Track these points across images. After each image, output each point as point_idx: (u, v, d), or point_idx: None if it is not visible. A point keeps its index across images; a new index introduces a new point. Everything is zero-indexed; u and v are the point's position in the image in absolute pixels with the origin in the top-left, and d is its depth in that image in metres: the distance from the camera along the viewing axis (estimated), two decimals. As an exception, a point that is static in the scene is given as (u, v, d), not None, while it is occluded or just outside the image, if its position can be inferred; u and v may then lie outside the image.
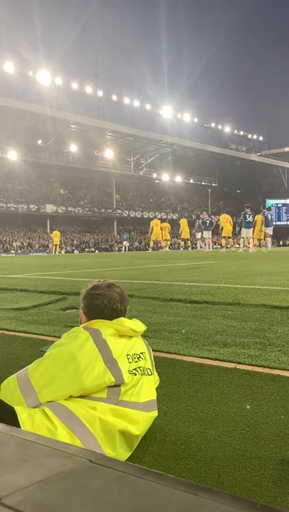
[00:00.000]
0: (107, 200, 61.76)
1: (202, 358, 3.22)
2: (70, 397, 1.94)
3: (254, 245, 25.86)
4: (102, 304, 2.23)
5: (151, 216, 60.17)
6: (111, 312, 2.22)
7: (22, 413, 1.83)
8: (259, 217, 25.73)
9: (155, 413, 2.11)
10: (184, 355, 3.28)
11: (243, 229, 24.91)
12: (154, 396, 2.13)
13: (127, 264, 14.25)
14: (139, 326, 2.20)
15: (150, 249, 32.38)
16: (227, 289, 6.56)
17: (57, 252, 35.16)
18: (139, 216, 62.24)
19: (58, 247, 36.26)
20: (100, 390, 1.95)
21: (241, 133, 75.98)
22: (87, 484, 0.69)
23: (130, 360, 2.06)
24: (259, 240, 26.69)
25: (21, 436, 0.83)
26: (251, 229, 24.78)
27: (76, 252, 42.75)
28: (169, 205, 67.97)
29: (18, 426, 1.79)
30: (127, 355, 2.05)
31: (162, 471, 1.83)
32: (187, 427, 2.23)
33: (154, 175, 68.85)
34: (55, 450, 0.78)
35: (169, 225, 31.92)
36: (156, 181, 69.17)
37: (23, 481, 0.70)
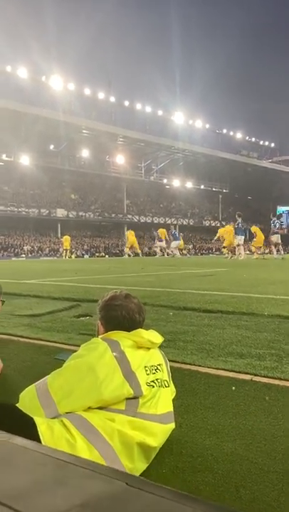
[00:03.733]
0: (118, 205, 61.87)
1: (218, 369, 3.21)
2: (89, 408, 1.95)
3: (256, 253, 26.32)
4: (121, 315, 2.24)
5: (162, 221, 60.17)
6: (129, 323, 2.22)
7: (41, 424, 1.84)
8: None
9: (172, 425, 2.12)
10: (200, 365, 3.28)
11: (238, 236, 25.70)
12: (171, 408, 2.14)
13: (138, 271, 14.26)
14: (156, 337, 2.20)
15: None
16: (240, 298, 6.54)
17: (67, 257, 35.28)
18: (149, 221, 62.26)
19: (68, 251, 36.37)
20: (119, 401, 1.96)
21: (253, 139, 75.87)
22: (124, 509, 0.70)
23: (148, 372, 2.06)
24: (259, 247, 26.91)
25: (59, 457, 0.84)
26: (242, 236, 25.84)
27: (86, 256, 42.84)
28: (179, 211, 67.94)
29: (37, 437, 1.80)
30: (145, 367, 2.06)
31: (179, 484, 1.85)
32: (204, 440, 2.23)
33: (165, 180, 68.90)
34: (93, 472, 0.79)
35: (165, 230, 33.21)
36: (167, 187, 69.20)
37: (62, 505, 0.71)
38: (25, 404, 1.99)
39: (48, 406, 1.95)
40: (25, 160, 52.50)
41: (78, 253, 47.59)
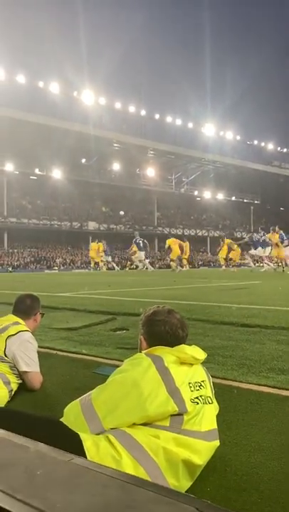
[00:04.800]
0: (149, 217, 62.04)
1: (260, 385, 3.16)
2: (133, 424, 1.94)
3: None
4: (164, 331, 2.23)
5: (192, 233, 60.04)
6: (172, 339, 2.21)
7: (87, 440, 1.84)
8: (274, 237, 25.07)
9: (217, 443, 2.09)
10: (241, 381, 3.23)
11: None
12: (215, 425, 2.11)
13: (171, 283, 14.23)
14: (200, 353, 2.18)
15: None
16: (278, 311, 6.45)
17: (98, 269, 34.98)
18: (180, 233, 62.17)
19: (95, 262, 35.46)
20: (163, 418, 1.95)
21: (285, 150, 75.18)
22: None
23: (192, 388, 2.04)
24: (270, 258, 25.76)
25: (123, 478, 0.84)
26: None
27: (117, 268, 42.88)
28: (210, 223, 67.68)
29: (83, 452, 1.80)
30: (189, 383, 2.04)
31: (224, 503, 1.82)
32: (248, 457, 2.19)
33: (196, 192, 68.83)
34: (161, 496, 0.78)
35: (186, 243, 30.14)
36: (198, 199, 69.10)
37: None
38: (70, 420, 2.00)
39: (92, 421, 1.95)
40: (57, 174, 53.29)
41: (110, 265, 47.74)
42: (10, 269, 42.31)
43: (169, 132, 60.30)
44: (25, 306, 3.53)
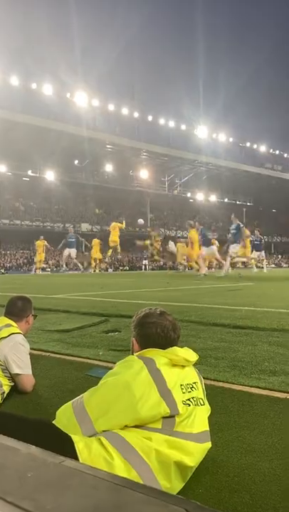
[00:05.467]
0: (142, 219, 62.02)
1: (251, 386, 3.17)
2: (126, 426, 1.94)
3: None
4: (156, 333, 2.23)
5: (185, 235, 60.02)
6: (164, 341, 2.21)
7: (79, 442, 1.84)
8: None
9: (208, 444, 2.09)
10: (233, 383, 3.24)
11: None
12: (207, 427, 2.11)
13: (164, 285, 14.23)
14: (191, 355, 2.19)
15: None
16: (270, 313, 6.48)
17: (91, 271, 34.84)
18: (173, 235, 62.26)
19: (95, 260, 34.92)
20: (155, 420, 1.95)
21: (277, 152, 75.47)
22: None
23: (184, 390, 2.04)
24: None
25: (113, 480, 0.85)
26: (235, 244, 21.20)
27: (110, 270, 42.85)
28: (203, 224, 67.70)
29: (75, 454, 1.80)
30: (181, 385, 2.05)
31: (216, 504, 1.82)
32: (239, 459, 2.20)
33: (189, 194, 68.91)
34: (151, 498, 0.79)
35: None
36: (191, 200, 69.17)
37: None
38: (62, 422, 2.00)
39: (84, 424, 1.95)
40: (50, 175, 53.17)
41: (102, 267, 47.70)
42: (2, 270, 42.16)
43: (162, 134, 60.35)
44: (17, 309, 3.52)
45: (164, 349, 2.16)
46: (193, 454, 1.97)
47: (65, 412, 2.05)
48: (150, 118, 59.60)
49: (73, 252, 28.59)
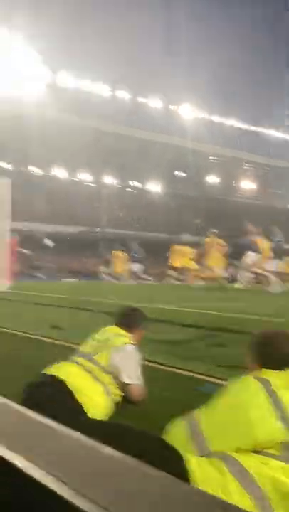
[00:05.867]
0: (243, 229, 61.09)
1: None
2: (240, 449, 1.86)
3: None
4: (275, 353, 2.15)
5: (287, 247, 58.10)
6: (282, 362, 2.11)
7: (192, 461, 1.79)
8: None
9: None
10: None
11: None
12: None
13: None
14: None
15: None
16: None
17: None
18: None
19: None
20: (273, 445, 1.84)
21: None
22: None
23: None
24: None
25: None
26: None
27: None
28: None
29: (186, 474, 1.73)
30: None
31: None
32: None
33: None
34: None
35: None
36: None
37: None
38: (174, 438, 1.95)
39: (198, 443, 1.89)
40: (154, 187, 54.25)
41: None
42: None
43: (264, 145, 59.27)
44: (130, 319, 3.57)
45: (281, 370, 2.07)
46: None
47: (178, 428, 2.01)
48: (253, 128, 58.83)
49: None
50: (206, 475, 1.75)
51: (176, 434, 1.98)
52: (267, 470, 1.76)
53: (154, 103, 50.31)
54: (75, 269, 35.25)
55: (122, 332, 3.43)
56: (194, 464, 1.78)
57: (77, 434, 0.74)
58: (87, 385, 2.97)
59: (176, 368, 4.30)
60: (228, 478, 1.73)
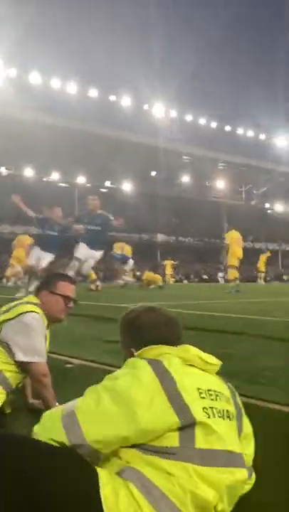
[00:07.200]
0: (218, 229, 61.33)
1: None
2: (133, 446, 1.51)
3: None
4: (144, 333, 1.84)
5: (263, 247, 58.51)
6: (167, 337, 1.81)
7: (106, 486, 1.43)
8: None
9: (243, 472, 1.58)
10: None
11: None
12: (240, 449, 1.61)
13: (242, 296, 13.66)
14: (210, 357, 1.73)
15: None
16: None
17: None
18: (249, 246, 60.98)
19: (170, 276, 35.77)
20: (167, 435, 1.50)
21: None
22: None
23: (203, 395, 1.58)
24: None
25: None
26: None
27: (185, 281, 42.42)
28: (282, 236, 65.90)
29: (97, 496, 1.41)
30: (198, 389, 1.58)
31: None
32: None
33: (267, 205, 67.43)
34: None
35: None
36: (269, 211, 67.63)
37: None
38: (46, 425, 1.59)
39: (73, 431, 1.52)
40: (126, 186, 54.00)
41: (177, 278, 47.43)
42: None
43: (240, 144, 59.52)
44: (41, 283, 3.05)
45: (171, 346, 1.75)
46: (220, 481, 1.49)
47: (52, 415, 1.62)
48: (228, 128, 59.01)
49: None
50: (121, 502, 1.41)
51: (50, 421, 1.60)
52: (185, 485, 1.44)
53: (126, 102, 50.05)
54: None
55: (29, 299, 2.90)
56: (108, 490, 1.43)
57: None
58: None
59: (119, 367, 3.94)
60: (141, 504, 1.41)
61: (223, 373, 1.77)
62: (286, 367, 3.72)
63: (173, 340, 1.81)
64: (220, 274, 44.47)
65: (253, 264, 33.27)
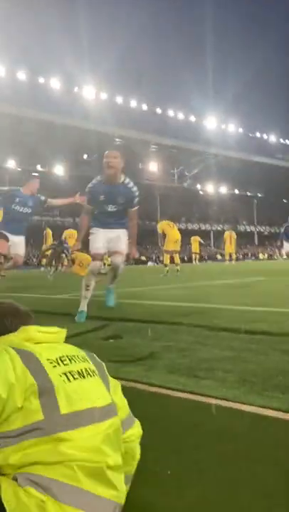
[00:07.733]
0: (152, 212, 61.65)
1: (264, 407, 2.75)
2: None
3: None
4: None
5: (196, 228, 59.54)
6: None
7: (6, 490, 1.37)
8: None
9: (113, 421, 1.58)
10: (243, 403, 2.82)
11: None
12: (110, 399, 1.63)
13: (176, 281, 13.86)
14: (50, 327, 1.72)
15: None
16: (284, 314, 6.03)
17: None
18: (183, 228, 61.82)
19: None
20: (28, 409, 1.44)
21: (287, 142, 74.59)
22: None
23: (55, 364, 1.55)
24: None
25: None
26: None
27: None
28: (213, 217, 67.22)
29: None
30: (48, 359, 1.55)
31: None
32: (250, 501, 1.77)
33: (198, 186, 68.41)
34: None
35: None
36: (201, 193, 68.68)
37: None
38: None
39: None
40: (58, 170, 52.98)
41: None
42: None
43: (171, 126, 59.85)
44: None
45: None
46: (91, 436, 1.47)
47: None
48: (159, 110, 59.11)
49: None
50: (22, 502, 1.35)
51: None
52: (54, 460, 1.40)
53: (55, 84, 48.90)
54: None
55: None
56: (9, 493, 1.37)
57: None
58: None
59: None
60: (40, 498, 1.36)
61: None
62: (222, 358, 3.84)
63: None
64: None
65: (185, 245, 33.98)
